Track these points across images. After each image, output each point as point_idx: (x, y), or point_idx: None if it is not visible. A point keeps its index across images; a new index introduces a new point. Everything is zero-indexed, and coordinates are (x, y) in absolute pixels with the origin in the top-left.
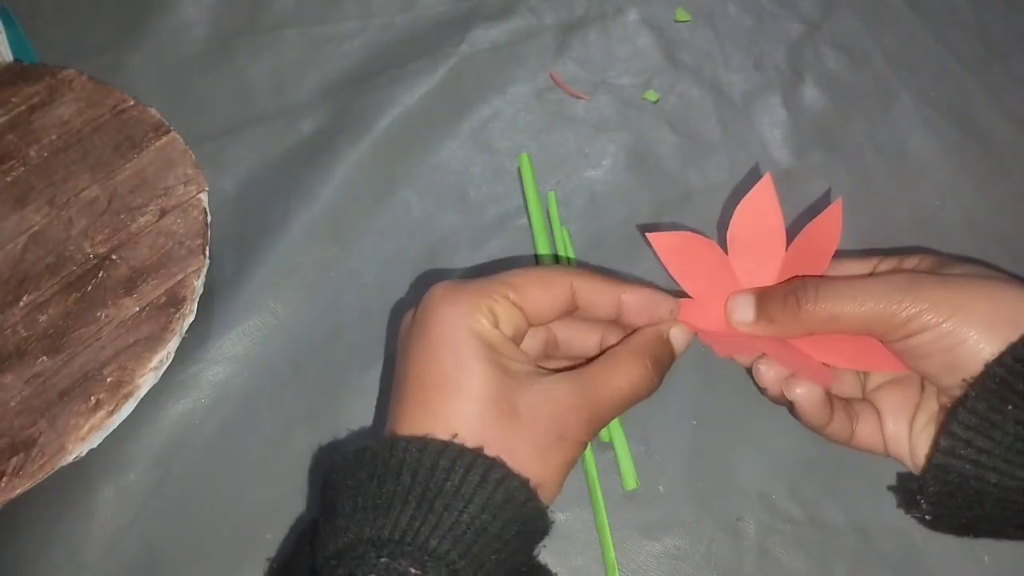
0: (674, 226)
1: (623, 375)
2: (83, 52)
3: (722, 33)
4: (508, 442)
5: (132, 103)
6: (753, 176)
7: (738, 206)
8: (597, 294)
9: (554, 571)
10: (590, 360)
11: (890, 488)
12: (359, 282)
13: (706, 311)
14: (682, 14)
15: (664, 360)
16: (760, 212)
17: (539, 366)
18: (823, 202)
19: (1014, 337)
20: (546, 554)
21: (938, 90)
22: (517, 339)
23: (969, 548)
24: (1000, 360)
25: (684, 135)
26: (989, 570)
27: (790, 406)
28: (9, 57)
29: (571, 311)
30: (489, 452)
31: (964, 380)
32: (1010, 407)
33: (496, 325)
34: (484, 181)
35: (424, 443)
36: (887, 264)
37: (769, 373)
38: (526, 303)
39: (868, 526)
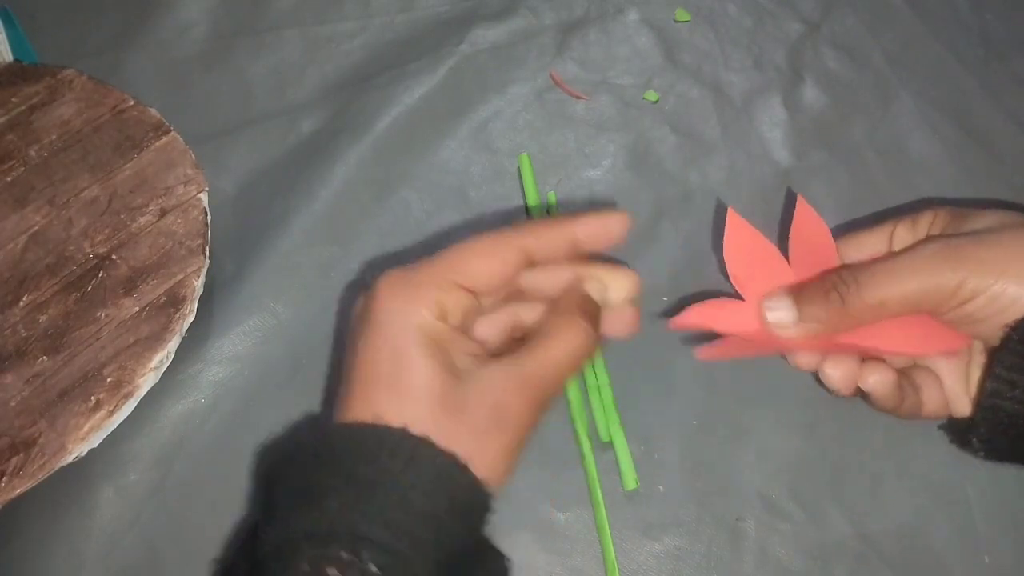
0: (683, 299)
1: (557, 343)
2: (83, 52)
3: (722, 33)
4: (450, 435)
5: (132, 103)
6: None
7: (725, 256)
8: (549, 242)
9: (554, 571)
10: (520, 341)
11: (940, 427)
12: (359, 282)
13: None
14: (682, 14)
15: (595, 313)
16: (747, 246)
17: (503, 352)
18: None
19: None
20: (546, 553)
21: (938, 90)
22: (467, 325)
23: (969, 548)
24: None
25: (684, 135)
26: (989, 570)
27: (863, 395)
28: (9, 57)
29: (525, 269)
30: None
31: (1005, 325)
32: None
33: (443, 317)
34: (484, 181)
35: (350, 430)
36: (903, 229)
37: (836, 374)
38: (472, 281)
39: (868, 526)
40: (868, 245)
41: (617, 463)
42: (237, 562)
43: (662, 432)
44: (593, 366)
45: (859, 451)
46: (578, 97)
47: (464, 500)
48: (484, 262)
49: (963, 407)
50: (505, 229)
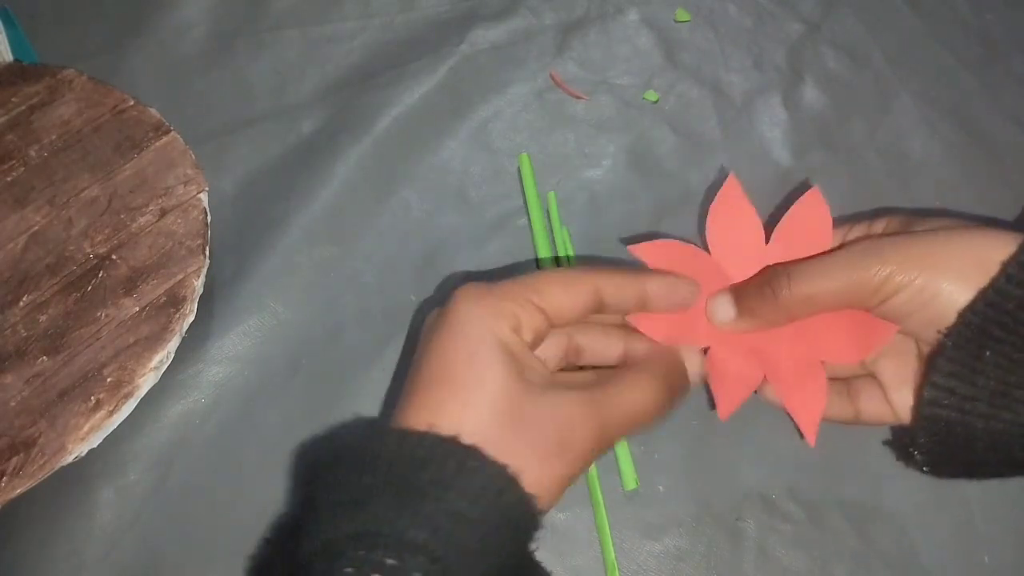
0: (655, 235)
1: (637, 393)
2: (83, 52)
3: (722, 33)
4: (510, 447)
5: (132, 103)
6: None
7: (710, 210)
8: (621, 289)
9: (554, 571)
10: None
11: (885, 443)
12: (359, 282)
13: (692, 318)
14: (682, 14)
15: (678, 387)
16: (734, 211)
17: (557, 374)
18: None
19: (985, 283)
20: (546, 553)
21: (938, 90)
22: (536, 343)
23: (969, 548)
24: (972, 307)
25: (684, 135)
26: (989, 569)
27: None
28: (9, 57)
29: (595, 311)
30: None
31: (939, 332)
32: (988, 352)
33: (518, 331)
34: (484, 181)
35: (402, 435)
36: (857, 231)
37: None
38: (549, 306)
39: (868, 526)
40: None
41: (617, 463)
42: (275, 560)
43: (662, 432)
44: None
45: (858, 450)
46: (578, 97)
47: (512, 514)
48: (562, 292)
49: (905, 412)
50: (582, 267)
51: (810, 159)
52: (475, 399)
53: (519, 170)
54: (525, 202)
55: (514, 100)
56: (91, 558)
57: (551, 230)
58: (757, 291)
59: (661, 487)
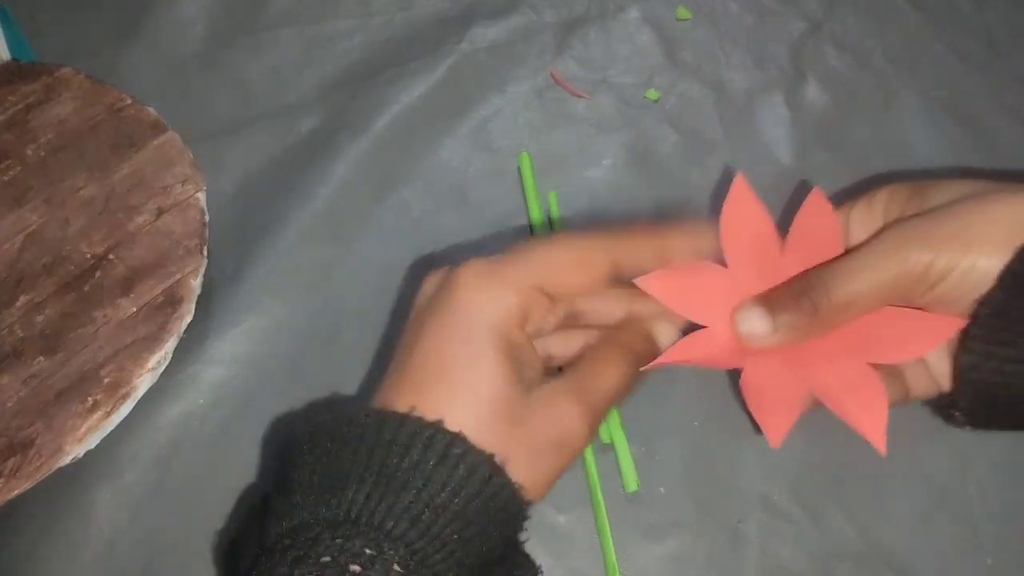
0: None
1: (615, 372)
2: (81, 51)
3: (723, 31)
4: (505, 446)
5: (129, 102)
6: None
7: (723, 218)
8: (639, 252)
9: (554, 573)
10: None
11: (926, 403)
12: (359, 282)
13: (717, 338)
14: (683, 12)
15: (646, 359)
16: (746, 215)
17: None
18: None
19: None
20: (546, 555)
21: (941, 89)
22: (538, 334)
23: (971, 550)
24: (1010, 269)
25: (685, 134)
26: (991, 571)
27: None
28: (6, 56)
29: (610, 280)
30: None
31: (975, 300)
32: None
33: (520, 324)
34: (484, 180)
35: (382, 417)
36: (860, 212)
37: None
38: (559, 289)
39: (870, 527)
40: None
41: (618, 464)
42: (244, 539)
43: (663, 433)
44: None
45: (861, 452)
46: (578, 96)
47: (497, 504)
48: (576, 271)
49: (948, 382)
50: (597, 234)
51: (812, 158)
52: (471, 403)
53: (519, 170)
54: (525, 201)
55: (514, 99)
56: (88, 559)
57: (551, 230)
58: (795, 304)
59: (662, 489)
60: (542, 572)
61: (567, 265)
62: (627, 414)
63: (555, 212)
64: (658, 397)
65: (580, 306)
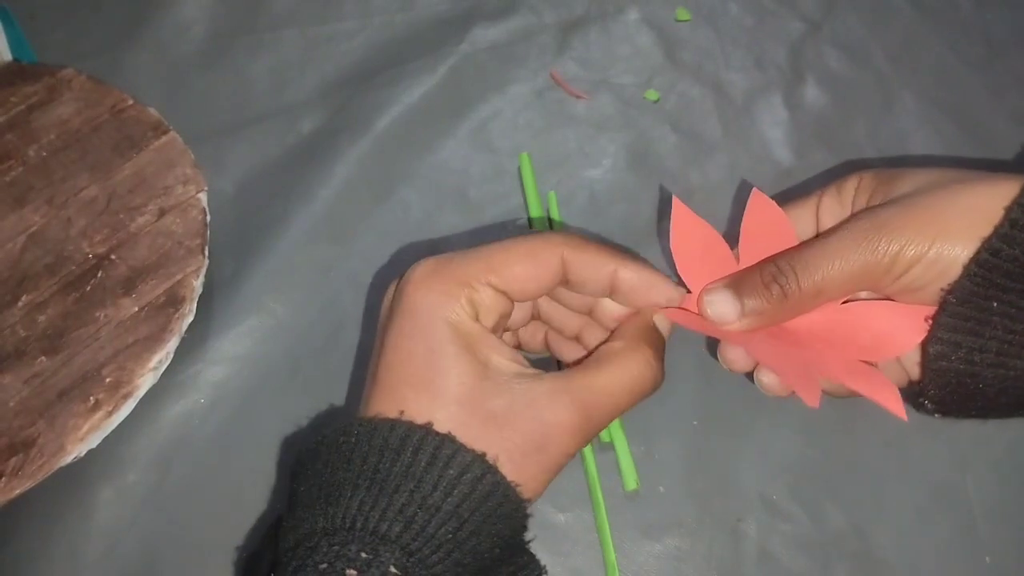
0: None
1: (618, 372)
2: (82, 52)
3: (723, 32)
4: (483, 442)
5: (131, 102)
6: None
7: (672, 246)
8: (589, 267)
9: (554, 572)
10: (577, 361)
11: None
12: (359, 282)
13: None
14: (683, 13)
15: (662, 349)
16: (691, 235)
17: (520, 351)
18: None
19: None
20: (546, 554)
21: (940, 89)
22: (499, 327)
23: (970, 549)
24: (976, 259)
25: (685, 134)
26: (990, 570)
27: None
28: (8, 56)
29: (561, 284)
30: None
31: (942, 289)
32: (995, 303)
33: (476, 318)
34: (484, 181)
35: (373, 425)
36: (829, 198)
37: (774, 384)
38: (510, 285)
39: (869, 527)
40: (794, 218)
41: (617, 463)
42: (262, 553)
43: (663, 432)
44: None
45: (860, 451)
46: (578, 96)
47: (491, 502)
48: (525, 267)
49: (917, 371)
50: (551, 234)
51: (811, 158)
52: (441, 405)
53: (519, 170)
54: (525, 202)
55: (514, 99)
56: (90, 558)
57: (551, 230)
58: (764, 290)
59: (662, 488)
60: (546, 572)
61: (515, 259)
62: (627, 413)
63: (555, 212)
64: (658, 397)
65: (541, 305)
